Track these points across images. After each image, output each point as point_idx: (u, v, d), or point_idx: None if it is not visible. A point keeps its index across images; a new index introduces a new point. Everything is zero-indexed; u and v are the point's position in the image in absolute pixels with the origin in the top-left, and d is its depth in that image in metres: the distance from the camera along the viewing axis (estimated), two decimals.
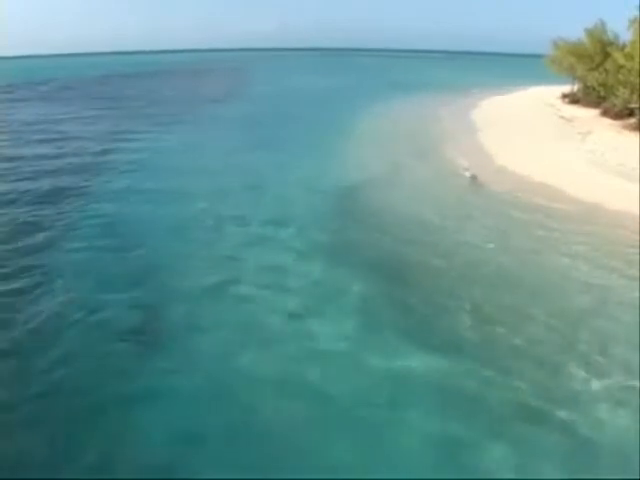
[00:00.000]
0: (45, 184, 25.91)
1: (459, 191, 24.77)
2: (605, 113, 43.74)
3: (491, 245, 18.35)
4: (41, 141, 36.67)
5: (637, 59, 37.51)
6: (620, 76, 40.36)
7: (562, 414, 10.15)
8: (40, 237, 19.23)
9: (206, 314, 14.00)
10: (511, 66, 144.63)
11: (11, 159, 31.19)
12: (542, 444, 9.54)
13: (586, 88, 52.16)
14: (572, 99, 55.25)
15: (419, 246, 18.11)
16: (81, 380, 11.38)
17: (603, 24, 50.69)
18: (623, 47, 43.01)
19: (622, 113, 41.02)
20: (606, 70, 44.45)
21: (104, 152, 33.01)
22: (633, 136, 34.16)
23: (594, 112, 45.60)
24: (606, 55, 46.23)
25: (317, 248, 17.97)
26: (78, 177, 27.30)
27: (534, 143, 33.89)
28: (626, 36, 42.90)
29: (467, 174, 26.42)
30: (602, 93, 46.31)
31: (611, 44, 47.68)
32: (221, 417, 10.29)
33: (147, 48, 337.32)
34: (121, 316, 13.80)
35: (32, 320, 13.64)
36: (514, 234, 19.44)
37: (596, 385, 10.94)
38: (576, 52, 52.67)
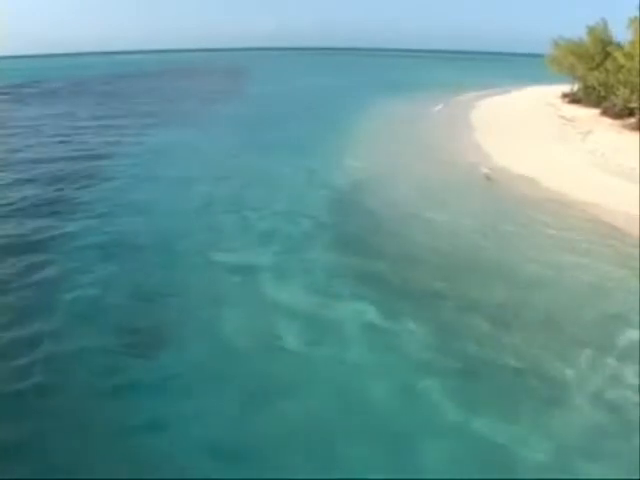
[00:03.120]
0: (47, 178, 26.12)
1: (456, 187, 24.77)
2: (605, 113, 43.56)
3: (487, 236, 18.63)
4: (40, 141, 36.54)
5: (637, 59, 37.36)
6: (620, 76, 40.21)
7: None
8: (41, 227, 19.61)
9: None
10: (511, 66, 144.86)
11: (10, 157, 31.19)
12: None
13: (586, 88, 52.00)
14: (572, 99, 55.11)
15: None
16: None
17: (605, 23, 50.62)
18: (620, 46, 43.00)
19: (622, 113, 40.84)
20: (606, 70, 44.29)
21: (105, 154, 32.80)
22: (633, 136, 33.99)
23: (594, 112, 45.42)
24: (607, 54, 46.06)
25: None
26: (83, 171, 27.65)
27: (535, 143, 33.72)
28: (625, 36, 42.81)
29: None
30: (602, 93, 46.16)
31: (611, 43, 47.56)
32: None
33: (146, 48, 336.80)
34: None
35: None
36: (513, 231, 19.47)
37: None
38: (577, 51, 52.54)
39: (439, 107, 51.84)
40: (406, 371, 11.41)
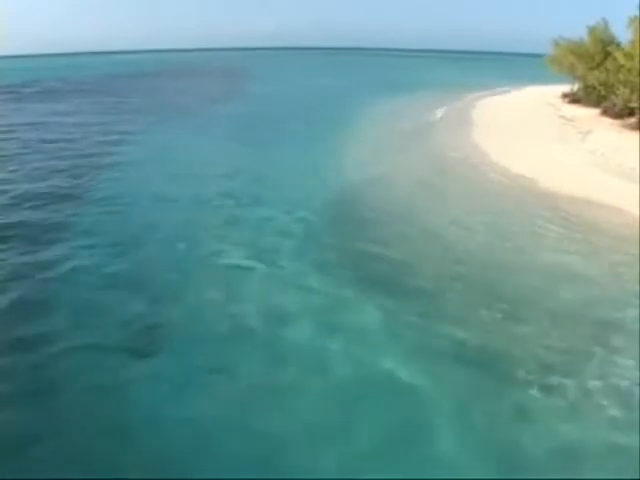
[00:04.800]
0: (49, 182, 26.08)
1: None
2: (605, 112, 43.55)
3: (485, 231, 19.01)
4: (40, 144, 36.52)
5: (637, 58, 37.35)
6: (620, 75, 40.21)
7: None
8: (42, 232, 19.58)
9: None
10: (511, 65, 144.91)
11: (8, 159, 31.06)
12: None
13: (586, 87, 52.00)
14: (572, 98, 55.11)
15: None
16: None
17: (605, 23, 50.67)
18: (619, 46, 43.03)
19: (622, 112, 40.83)
20: (607, 69, 44.30)
21: (106, 154, 32.84)
22: (633, 136, 33.99)
23: (594, 111, 45.41)
24: (607, 54, 46.09)
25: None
26: (84, 172, 27.82)
27: (534, 143, 33.70)
28: (625, 35, 42.82)
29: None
30: (602, 92, 46.15)
31: (612, 43, 47.58)
32: None
33: (146, 48, 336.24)
34: None
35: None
36: (512, 229, 19.55)
37: None
38: (577, 51, 52.57)
39: (442, 109, 51.49)
40: None
